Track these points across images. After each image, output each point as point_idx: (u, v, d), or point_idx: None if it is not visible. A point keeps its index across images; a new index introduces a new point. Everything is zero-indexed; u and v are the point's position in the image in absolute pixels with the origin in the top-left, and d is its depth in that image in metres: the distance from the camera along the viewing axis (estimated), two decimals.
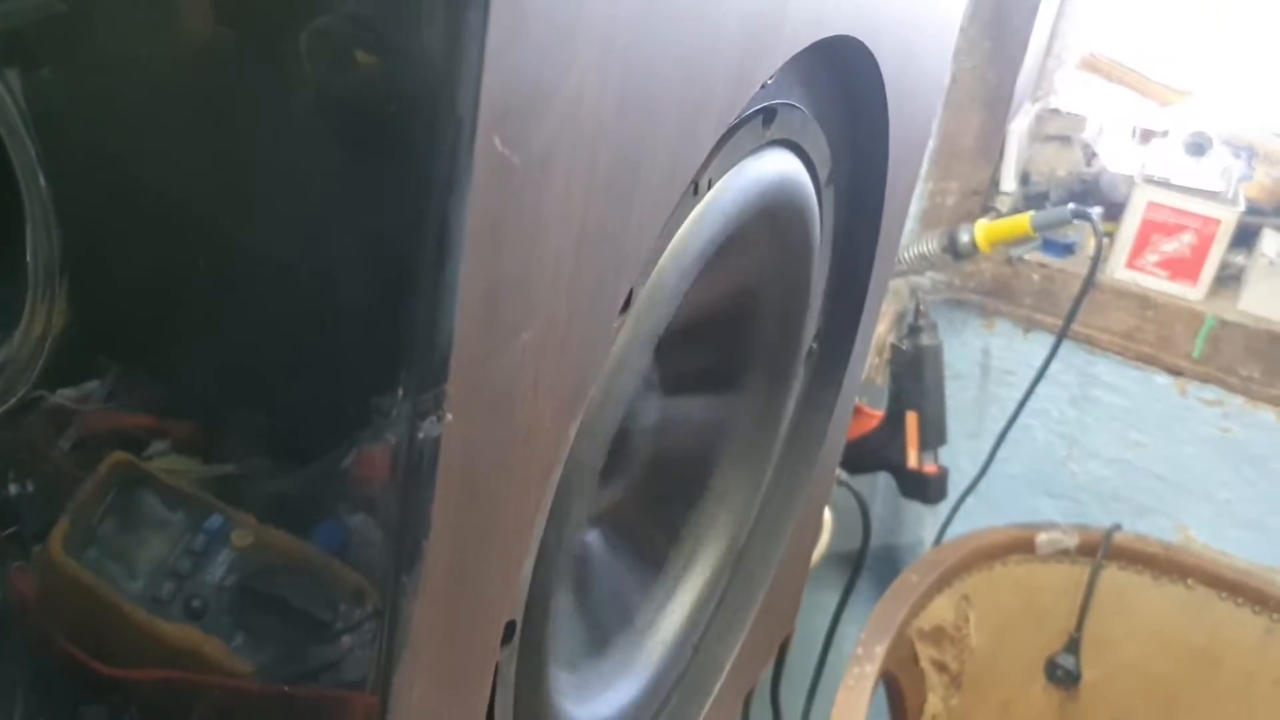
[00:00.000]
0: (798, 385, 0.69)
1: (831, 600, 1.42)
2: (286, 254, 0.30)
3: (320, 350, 0.31)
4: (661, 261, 0.43)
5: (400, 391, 0.29)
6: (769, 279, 0.59)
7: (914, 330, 1.44)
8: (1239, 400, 1.42)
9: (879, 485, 1.60)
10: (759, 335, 0.62)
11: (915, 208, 1.49)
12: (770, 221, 0.54)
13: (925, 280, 1.50)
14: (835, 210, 0.63)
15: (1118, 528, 1.47)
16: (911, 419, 1.45)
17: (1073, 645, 1.47)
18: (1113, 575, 1.46)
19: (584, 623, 0.56)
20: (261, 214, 0.30)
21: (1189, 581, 1.44)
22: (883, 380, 1.47)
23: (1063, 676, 1.48)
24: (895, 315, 1.46)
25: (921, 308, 1.44)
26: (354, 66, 0.27)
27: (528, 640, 0.44)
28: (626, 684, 0.57)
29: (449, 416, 0.30)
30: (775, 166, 0.51)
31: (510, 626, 0.42)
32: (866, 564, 1.62)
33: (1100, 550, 1.45)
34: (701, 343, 0.61)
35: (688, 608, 0.62)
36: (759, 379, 0.63)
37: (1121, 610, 1.46)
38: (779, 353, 0.63)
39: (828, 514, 1.14)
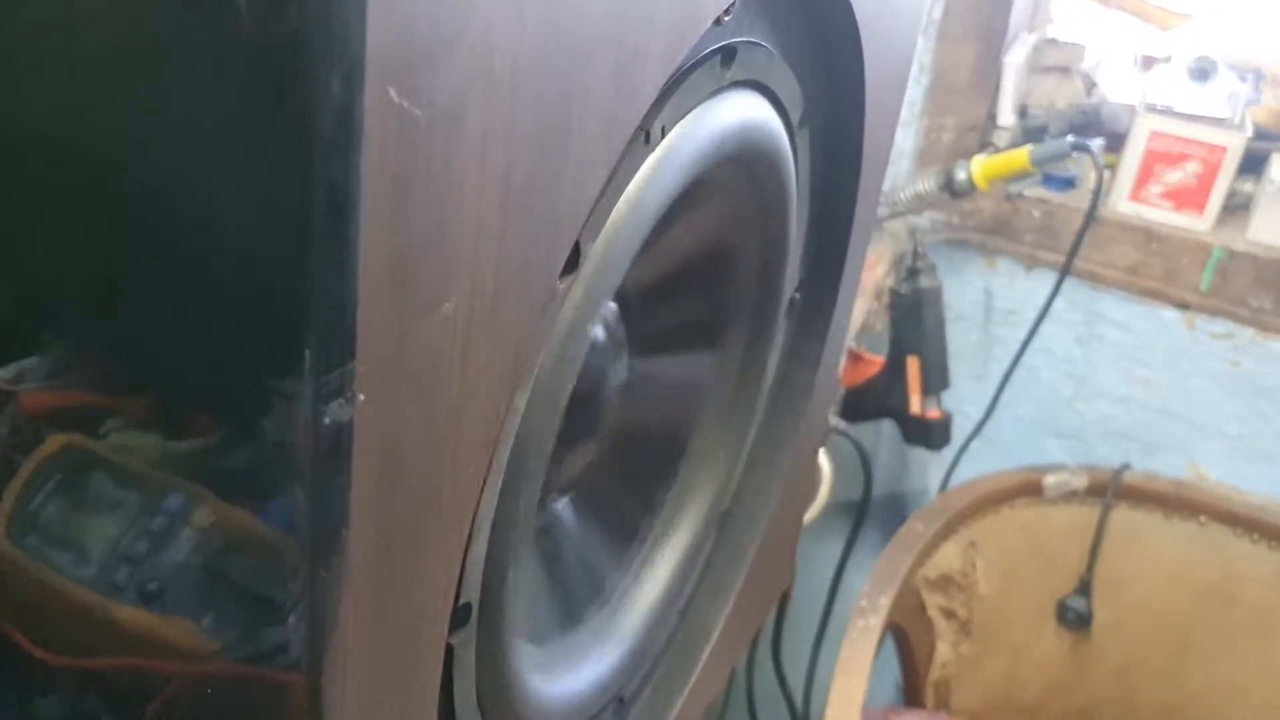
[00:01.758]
0: (780, 338, 0.66)
1: (835, 552, 1.40)
2: (174, 217, 0.27)
3: (224, 327, 0.28)
4: (614, 216, 0.41)
5: (302, 373, 0.26)
6: (744, 229, 0.56)
7: (912, 273, 1.41)
8: (1249, 332, 1.39)
9: (882, 433, 1.58)
10: (736, 288, 0.59)
11: (910, 145, 1.45)
12: (740, 169, 0.51)
13: (923, 221, 1.46)
14: (811, 154, 0.60)
15: (1127, 467, 1.44)
16: (913, 364, 1.42)
17: (1083, 587, 1.46)
18: (1123, 515, 1.44)
19: (555, 596, 0.54)
20: (146, 172, 0.27)
21: (1201, 519, 1.42)
22: (882, 325, 1.44)
23: (1074, 619, 1.46)
24: (893, 258, 1.42)
25: (920, 249, 1.41)
26: (230, 8, 0.24)
27: (487, 621, 0.42)
28: (604, 655, 0.55)
29: (361, 397, 0.27)
30: (740, 110, 0.48)
31: (464, 609, 0.40)
32: (871, 513, 1.60)
33: (1109, 490, 1.43)
34: (675, 299, 0.58)
35: (668, 572, 0.60)
36: (738, 334, 0.61)
37: (1132, 550, 1.44)
38: (758, 306, 0.60)
39: (827, 465, 1.11)
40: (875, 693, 1.58)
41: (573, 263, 0.39)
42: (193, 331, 0.28)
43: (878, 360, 1.45)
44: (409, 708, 0.35)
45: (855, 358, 1.44)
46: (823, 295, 0.69)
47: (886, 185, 1.44)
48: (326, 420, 0.27)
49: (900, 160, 1.47)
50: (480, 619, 0.42)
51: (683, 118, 0.44)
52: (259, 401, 0.27)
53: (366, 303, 0.26)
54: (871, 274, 1.37)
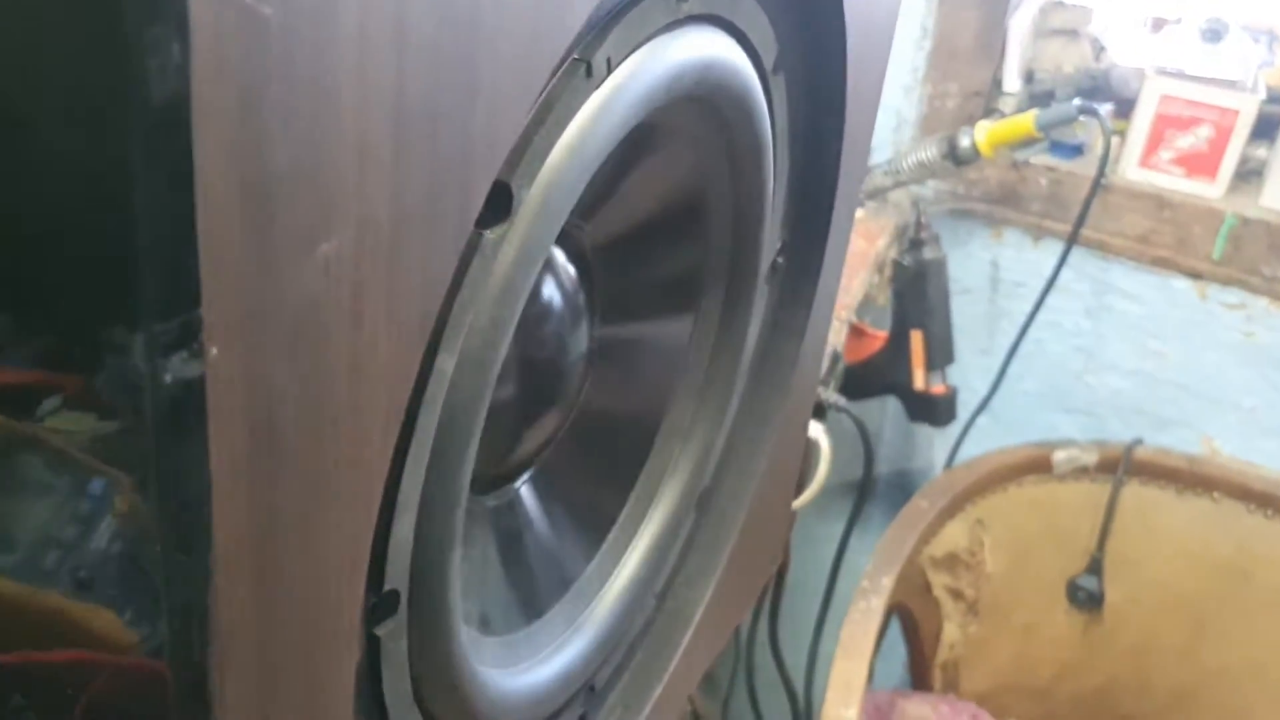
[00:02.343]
0: (761, 306, 0.62)
1: (837, 532, 1.36)
2: None
3: (51, 261, 0.24)
4: (553, 158, 0.36)
5: (132, 320, 0.22)
6: (713, 180, 0.52)
7: (916, 244, 1.36)
8: (1263, 302, 1.34)
9: (886, 410, 1.53)
10: (709, 247, 0.55)
11: (913, 113, 1.41)
12: (703, 111, 0.47)
13: (927, 190, 1.42)
14: (790, 104, 0.56)
15: (1139, 442, 1.40)
16: (916, 338, 1.37)
17: (1095, 566, 1.41)
18: (1135, 492, 1.40)
19: (515, 582, 0.50)
20: None
21: (1215, 494, 1.37)
22: (885, 299, 1.40)
23: (1085, 599, 1.42)
24: (896, 229, 1.38)
25: (923, 220, 1.36)
26: None
27: (424, 609, 0.38)
28: (572, 644, 0.51)
29: (213, 351, 0.23)
30: (700, 46, 0.44)
31: (390, 598, 0.36)
32: (875, 492, 1.57)
33: (1121, 466, 1.38)
34: (641, 258, 0.54)
35: (643, 555, 0.56)
36: (713, 299, 0.56)
37: (1145, 528, 1.40)
38: (734, 267, 0.56)
39: (825, 443, 1.07)
40: (881, 675, 1.54)
41: (504, 209, 0.35)
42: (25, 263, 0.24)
43: (880, 335, 1.41)
44: (314, 707, 0.31)
45: (857, 332, 1.40)
46: (807, 259, 0.64)
47: (888, 154, 1.40)
48: (168, 378, 0.22)
49: (903, 128, 1.42)
50: (415, 607, 0.38)
51: (632, 52, 0.39)
52: (95, 356, 0.23)
53: (212, 237, 0.22)
54: (873, 245, 1.33)
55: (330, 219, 0.25)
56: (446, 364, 0.34)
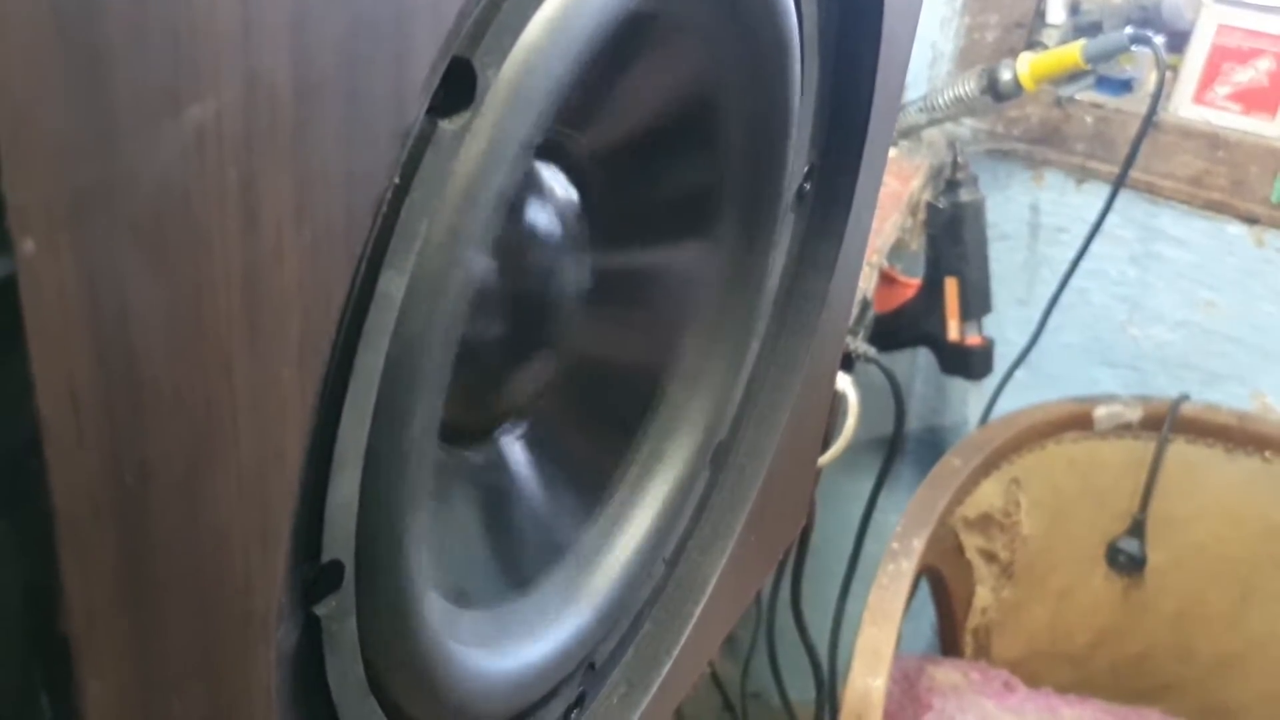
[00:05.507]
0: (785, 236, 0.55)
1: (865, 490, 1.29)
2: None
3: None
4: (527, 36, 0.30)
5: None
6: (730, 85, 0.45)
7: (951, 186, 1.28)
8: None
9: (918, 362, 1.46)
10: (725, 165, 0.48)
11: (950, 46, 1.32)
12: (717, 1, 0.40)
13: (964, 129, 1.34)
14: (821, 5, 0.49)
15: (1186, 398, 1.32)
16: (951, 286, 1.30)
17: (1136, 528, 1.34)
18: (1180, 450, 1.32)
19: (502, 549, 0.43)
20: None
21: (1266, 454, 1.30)
22: (918, 244, 1.32)
23: (1126, 562, 1.35)
24: (930, 170, 1.30)
25: (960, 160, 1.29)
26: None
27: (376, 583, 0.32)
28: (568, 618, 0.45)
29: (28, 245, 0.17)
30: None
31: (332, 570, 0.30)
32: (906, 449, 1.50)
33: (1166, 423, 1.31)
34: (646, 176, 0.47)
35: (650, 516, 0.50)
36: (729, 225, 0.50)
37: (1190, 487, 1.33)
38: (754, 189, 0.49)
39: (853, 396, 1.00)
40: (909, 639, 1.48)
41: (466, 93, 0.28)
42: None
43: (913, 282, 1.33)
44: (218, 706, 0.25)
45: (888, 279, 1.33)
46: (838, 187, 0.57)
47: (923, 90, 1.31)
48: None
49: (939, 62, 1.34)
50: (364, 580, 0.31)
51: None
52: None
53: (13, 90, 0.16)
54: (906, 187, 1.25)
55: (199, 73, 0.19)
56: (393, 285, 0.28)
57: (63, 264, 0.18)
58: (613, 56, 0.35)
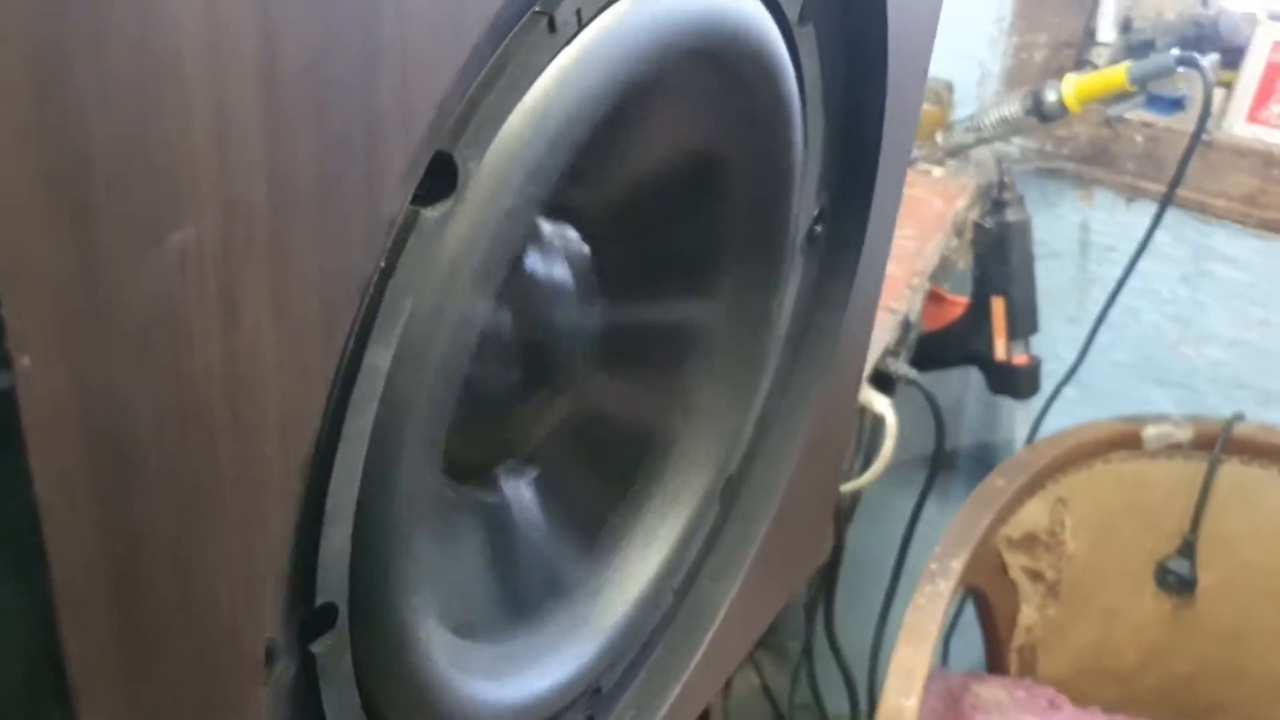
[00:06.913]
0: (796, 277, 0.57)
1: (909, 509, 1.30)
2: None
3: None
4: (510, 125, 0.32)
5: None
6: (732, 143, 0.47)
7: (999, 205, 1.29)
8: None
9: (968, 381, 1.46)
10: (730, 216, 0.50)
11: (998, 66, 1.32)
12: (711, 67, 0.42)
13: (1012, 148, 1.34)
14: (822, 55, 0.51)
15: (1240, 417, 1.31)
16: (998, 306, 1.30)
17: (1187, 548, 1.33)
18: (1233, 470, 1.31)
19: (508, 583, 0.46)
20: None
21: None
22: (965, 263, 1.33)
23: (1175, 582, 1.34)
24: (978, 189, 1.30)
25: (1007, 179, 1.29)
26: None
27: (371, 622, 0.35)
28: (574, 650, 0.48)
29: (25, 361, 0.20)
30: None
31: (326, 612, 0.33)
32: (954, 468, 1.50)
33: (1219, 443, 1.30)
34: (652, 230, 0.49)
35: (659, 552, 0.52)
36: (737, 273, 0.52)
37: (1243, 508, 1.31)
38: (761, 237, 0.51)
39: (891, 417, 1.02)
40: (958, 658, 1.48)
41: (446, 184, 0.31)
42: None
43: (960, 301, 1.34)
44: None
45: (935, 298, 1.33)
46: (850, 228, 0.59)
47: (972, 108, 1.32)
48: None
49: (986, 81, 1.34)
50: (358, 620, 0.34)
51: (611, 3, 0.35)
52: None
53: (10, 238, 0.19)
54: (952, 206, 1.26)
55: (180, 205, 0.22)
56: (379, 359, 0.31)
57: (55, 374, 0.21)
58: (615, 122, 0.37)
